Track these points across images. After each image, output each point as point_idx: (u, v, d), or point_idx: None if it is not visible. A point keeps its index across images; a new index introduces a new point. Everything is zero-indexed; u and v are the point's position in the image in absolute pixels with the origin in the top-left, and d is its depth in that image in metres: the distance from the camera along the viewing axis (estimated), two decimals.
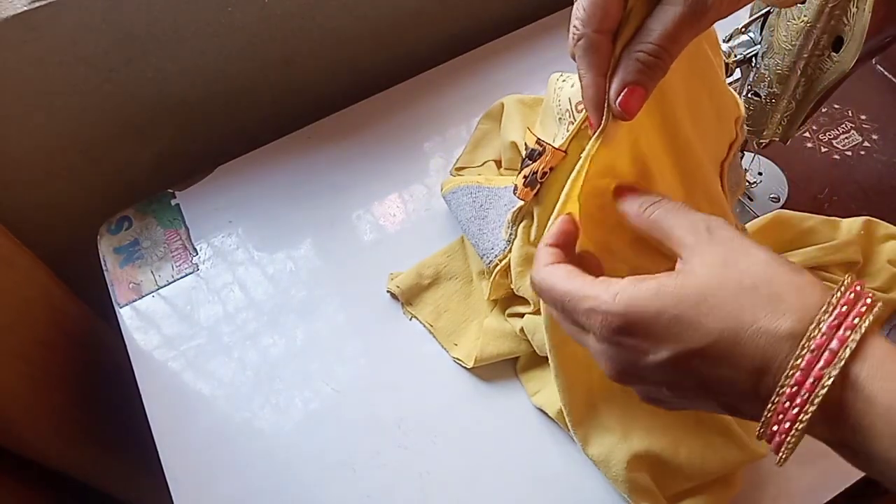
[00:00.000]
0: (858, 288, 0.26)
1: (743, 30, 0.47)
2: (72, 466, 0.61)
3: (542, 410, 0.48)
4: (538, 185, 0.43)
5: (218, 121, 0.66)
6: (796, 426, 0.26)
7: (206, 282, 0.57)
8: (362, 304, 0.55)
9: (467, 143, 0.59)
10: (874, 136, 0.61)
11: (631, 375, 0.31)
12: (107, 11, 0.52)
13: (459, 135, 0.64)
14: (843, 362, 0.25)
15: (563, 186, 0.39)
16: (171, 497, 0.47)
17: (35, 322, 0.58)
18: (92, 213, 0.62)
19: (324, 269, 0.57)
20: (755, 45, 0.46)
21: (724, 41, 0.52)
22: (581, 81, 0.32)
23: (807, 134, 0.61)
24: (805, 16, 0.42)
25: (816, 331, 0.26)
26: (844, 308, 0.26)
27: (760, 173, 0.59)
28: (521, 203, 0.45)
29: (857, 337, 0.25)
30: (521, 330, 0.49)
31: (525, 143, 0.43)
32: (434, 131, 0.65)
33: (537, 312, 0.48)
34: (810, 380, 0.25)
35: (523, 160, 0.43)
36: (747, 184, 0.58)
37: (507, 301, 0.52)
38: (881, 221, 0.52)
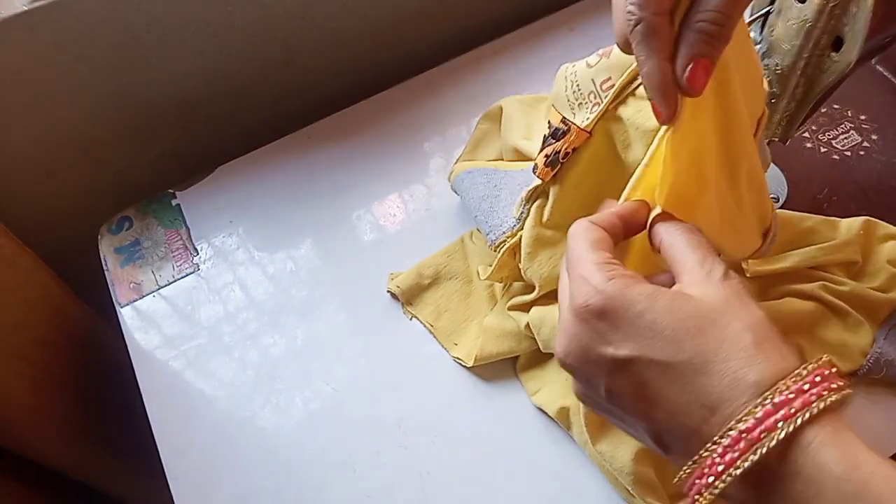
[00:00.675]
0: (834, 369, 0.26)
1: None
2: (72, 466, 0.61)
3: (541, 410, 0.48)
4: (559, 166, 0.41)
5: (218, 121, 0.66)
6: (726, 474, 0.25)
7: (206, 282, 0.57)
8: (362, 304, 0.55)
9: (467, 144, 0.59)
10: (874, 137, 0.61)
11: (580, 360, 0.30)
12: (107, 11, 0.52)
13: (459, 135, 0.64)
14: (799, 421, 0.24)
15: (584, 168, 0.38)
16: (171, 497, 0.47)
17: (36, 322, 0.58)
18: (92, 213, 0.62)
19: (324, 269, 0.57)
20: (755, 45, 0.46)
21: None
22: (641, 69, 0.30)
23: (806, 134, 0.61)
24: (805, 15, 0.42)
25: (784, 386, 0.25)
26: (818, 378, 0.25)
27: None
28: (538, 182, 0.44)
29: (822, 406, 0.25)
30: (527, 326, 0.48)
31: (549, 122, 0.41)
32: (434, 131, 0.65)
33: (543, 302, 0.48)
34: (760, 429, 0.25)
35: (546, 138, 0.42)
36: None
37: (510, 293, 0.52)
38: (880, 221, 0.52)
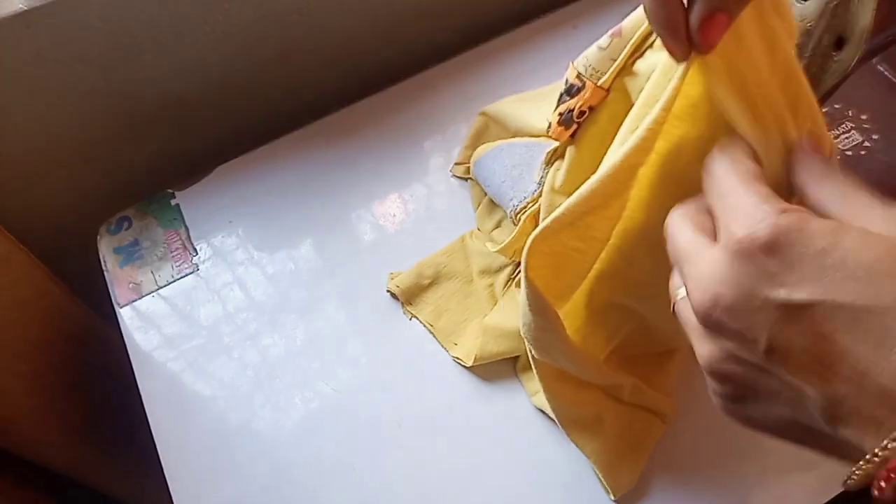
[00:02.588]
0: None
1: None
2: (72, 466, 0.61)
3: (541, 411, 0.48)
4: (574, 126, 0.39)
5: (217, 120, 0.66)
6: None
7: (206, 282, 0.57)
8: (362, 304, 0.55)
9: (467, 137, 0.59)
10: (874, 136, 0.61)
11: (737, 309, 0.23)
12: (104, 10, 0.52)
13: (459, 133, 0.64)
14: None
15: (602, 129, 0.35)
16: (171, 497, 0.47)
17: (31, 321, 0.58)
18: (91, 213, 0.61)
19: (324, 269, 0.57)
20: None
21: None
22: (646, 5, 0.27)
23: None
24: (806, 15, 0.41)
25: None
26: None
27: None
28: (556, 144, 0.41)
29: None
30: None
31: (565, 79, 0.39)
32: (434, 131, 0.65)
33: None
34: None
35: (560, 95, 0.39)
36: None
37: (510, 294, 0.52)
38: None
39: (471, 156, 0.58)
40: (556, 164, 0.42)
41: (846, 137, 0.61)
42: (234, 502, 0.47)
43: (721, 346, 0.25)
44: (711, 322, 0.24)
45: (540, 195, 0.45)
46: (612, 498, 0.45)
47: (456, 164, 0.58)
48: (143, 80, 0.59)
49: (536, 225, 0.43)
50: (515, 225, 0.47)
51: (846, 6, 0.40)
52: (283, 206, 0.61)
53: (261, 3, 0.58)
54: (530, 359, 0.42)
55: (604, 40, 0.37)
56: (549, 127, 0.40)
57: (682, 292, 0.28)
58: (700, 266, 0.25)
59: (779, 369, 0.23)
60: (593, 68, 0.38)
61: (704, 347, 0.26)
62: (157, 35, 0.56)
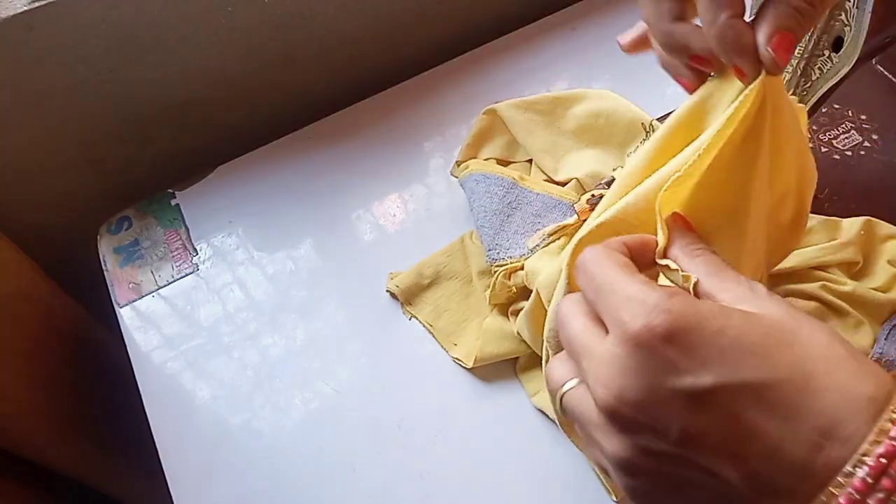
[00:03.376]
0: None
1: None
2: (71, 466, 0.61)
3: (541, 411, 0.48)
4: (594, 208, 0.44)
5: (218, 121, 0.66)
6: None
7: (206, 282, 0.57)
8: (362, 304, 0.55)
9: (469, 136, 0.59)
10: (874, 136, 0.61)
11: (644, 404, 0.23)
12: (107, 11, 0.52)
13: (459, 135, 0.64)
14: None
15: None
16: (171, 497, 0.47)
17: (26, 318, 0.57)
18: (92, 213, 0.62)
19: (324, 269, 0.57)
20: None
21: None
22: (711, 29, 0.27)
23: (807, 134, 0.61)
24: None
25: None
26: None
27: None
28: (568, 222, 0.47)
29: None
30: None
31: (612, 177, 0.46)
32: (434, 131, 0.65)
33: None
34: None
35: (598, 184, 0.46)
36: None
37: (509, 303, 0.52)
38: (881, 221, 0.52)
39: (472, 155, 0.59)
40: (562, 241, 0.47)
41: (846, 137, 0.61)
42: (233, 502, 0.47)
43: (631, 440, 0.24)
44: (619, 417, 0.24)
45: (523, 261, 0.48)
46: (614, 499, 0.45)
47: (456, 162, 0.58)
48: (145, 81, 0.59)
49: (510, 279, 0.49)
50: (491, 270, 0.50)
51: (844, 7, 0.40)
52: (283, 206, 0.61)
53: (263, 6, 0.58)
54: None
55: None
56: (574, 209, 0.46)
57: (569, 384, 0.27)
58: (598, 360, 0.25)
59: (693, 456, 0.23)
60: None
61: (612, 443, 0.25)
62: (160, 36, 0.56)
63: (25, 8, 0.49)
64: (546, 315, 0.39)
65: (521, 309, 0.49)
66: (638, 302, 0.24)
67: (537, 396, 0.49)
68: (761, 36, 0.26)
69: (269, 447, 0.49)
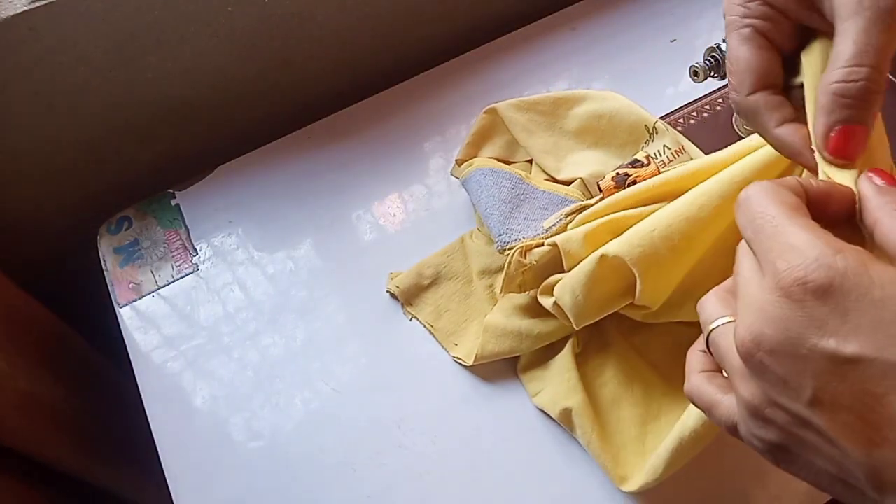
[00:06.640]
0: None
1: None
2: (72, 466, 0.61)
3: (542, 411, 0.48)
4: (621, 188, 0.47)
5: (218, 121, 0.66)
6: None
7: (206, 282, 0.57)
8: (362, 304, 0.55)
9: (469, 135, 0.58)
10: None
11: (782, 354, 0.22)
12: (107, 12, 0.52)
13: (459, 135, 0.64)
14: None
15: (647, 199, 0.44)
16: (171, 497, 0.47)
17: (27, 317, 0.57)
18: (92, 212, 0.62)
19: (324, 269, 0.57)
20: None
21: (723, 41, 0.52)
22: (774, 143, 0.27)
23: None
24: None
25: None
26: None
27: None
28: (590, 202, 0.48)
29: None
30: (555, 304, 0.46)
31: (636, 158, 0.49)
32: (434, 131, 0.65)
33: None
34: None
35: (621, 165, 0.48)
36: None
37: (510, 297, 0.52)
38: None
39: (472, 154, 0.58)
40: (580, 216, 0.48)
41: None
42: (233, 502, 0.47)
43: (763, 388, 0.23)
44: (754, 363, 0.23)
45: (543, 239, 0.48)
46: (622, 489, 0.44)
47: (456, 160, 0.58)
48: (145, 81, 0.59)
49: (525, 257, 0.48)
50: (500, 253, 0.50)
51: None
52: (283, 206, 0.61)
53: (263, 7, 0.58)
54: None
55: (670, 143, 0.51)
56: (600, 187, 0.47)
57: (720, 321, 0.26)
58: (748, 301, 0.23)
59: (822, 424, 0.22)
60: (661, 161, 0.49)
61: (746, 388, 0.24)
62: (160, 37, 0.56)
63: (25, 8, 0.49)
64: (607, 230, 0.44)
65: (556, 283, 0.47)
66: (798, 252, 0.22)
67: (539, 397, 0.49)
68: (818, 135, 0.25)
69: (269, 447, 0.49)
